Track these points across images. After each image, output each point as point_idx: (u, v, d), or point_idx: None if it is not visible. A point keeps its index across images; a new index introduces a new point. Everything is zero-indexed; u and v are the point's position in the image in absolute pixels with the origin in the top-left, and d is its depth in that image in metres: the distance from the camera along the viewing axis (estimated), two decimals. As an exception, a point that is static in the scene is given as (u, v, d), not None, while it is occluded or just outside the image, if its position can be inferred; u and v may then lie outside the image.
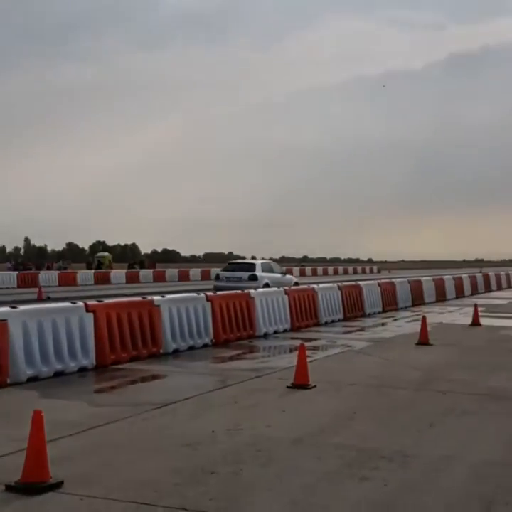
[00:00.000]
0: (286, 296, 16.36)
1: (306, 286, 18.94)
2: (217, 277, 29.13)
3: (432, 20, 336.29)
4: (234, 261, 33.31)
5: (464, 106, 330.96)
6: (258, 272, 27.92)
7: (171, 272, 57.08)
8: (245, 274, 27.68)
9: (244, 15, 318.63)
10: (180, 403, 8.12)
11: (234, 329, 14.13)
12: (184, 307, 12.83)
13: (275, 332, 15.49)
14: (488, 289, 36.88)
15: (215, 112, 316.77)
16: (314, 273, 73.85)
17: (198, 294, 13.98)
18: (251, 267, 28.80)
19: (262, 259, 33.58)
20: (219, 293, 14.58)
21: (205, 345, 13.20)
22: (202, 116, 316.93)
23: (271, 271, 29.11)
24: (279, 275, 29.07)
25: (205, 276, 57.70)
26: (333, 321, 18.30)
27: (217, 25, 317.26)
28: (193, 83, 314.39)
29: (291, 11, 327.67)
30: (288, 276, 30.97)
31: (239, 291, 15.78)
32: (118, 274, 51.72)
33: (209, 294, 14.01)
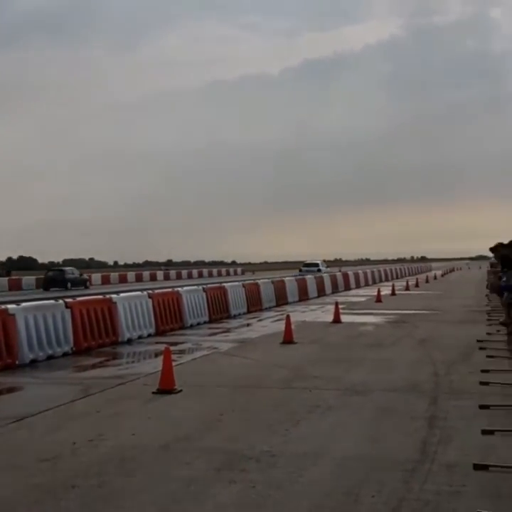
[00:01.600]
0: (150, 300, 16.07)
1: (170, 290, 18.70)
2: (300, 270, 52.88)
3: (287, 27, 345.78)
4: (308, 262, 58.40)
5: (318, 110, 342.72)
6: (320, 267, 53.90)
7: (28, 279, 54.78)
8: (315, 268, 52.41)
9: (100, 15, 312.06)
10: (38, 416, 7.70)
11: (96, 336, 13.68)
12: (41, 315, 12.27)
13: (139, 337, 15.17)
14: (347, 287, 38.16)
15: (68, 114, 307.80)
16: (179, 276, 73.55)
17: (56, 300, 13.42)
18: (317, 264, 55.43)
19: (319, 260, 58.91)
20: (79, 299, 14.09)
21: (66, 354, 12.69)
22: (54, 119, 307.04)
23: (324, 266, 55.80)
24: (326, 268, 54.36)
25: (66, 282, 55.90)
26: (198, 324, 18.19)
27: (70, 26, 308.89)
28: (46, 84, 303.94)
29: (148, 14, 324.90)
30: (329, 268, 55.25)
31: (100, 297, 15.34)
32: (-30, 283, 49.03)
33: (68, 300, 13.49)
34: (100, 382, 9.88)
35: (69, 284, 44.94)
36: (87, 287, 46.84)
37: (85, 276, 50.56)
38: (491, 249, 17.01)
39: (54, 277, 46.52)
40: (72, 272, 48.27)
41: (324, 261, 57.20)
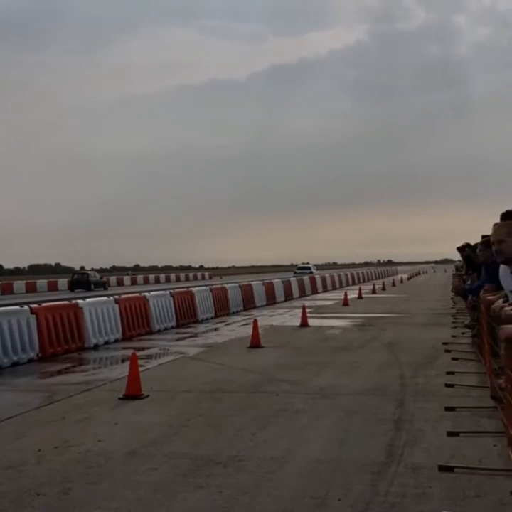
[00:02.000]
0: (116, 306, 15.96)
1: (137, 294, 18.59)
2: (295, 273, 61.72)
3: (253, 32, 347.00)
4: (301, 265, 75.32)
5: (284, 115, 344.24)
6: (312, 270, 67.45)
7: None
8: (308, 271, 63.24)
9: (64, 19, 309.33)
10: (2, 423, 7.59)
11: (61, 342, 13.55)
12: (6, 321, 12.11)
13: (106, 343, 15.06)
14: (315, 291, 38.32)
15: (32, 118, 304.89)
16: (146, 281, 73.17)
17: (22, 306, 13.25)
18: (309, 268, 69.97)
19: (308, 263, 78.26)
20: (44, 305, 13.94)
21: (31, 360, 12.54)
22: (18, 122, 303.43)
23: (314, 269, 70.42)
24: (316, 270, 68.77)
25: (31, 288, 55.25)
26: (166, 329, 18.12)
27: (34, 28, 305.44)
28: (10, 87, 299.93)
29: (113, 18, 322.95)
30: (318, 271, 68.53)
31: (66, 302, 15.20)
32: None
33: (34, 306, 13.33)
34: (66, 388, 9.78)
35: (92, 286, 51.44)
36: (106, 288, 52.73)
37: (104, 278, 57.82)
38: (459, 249, 17.17)
39: (79, 280, 53.59)
40: (94, 275, 55.35)
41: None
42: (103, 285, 53.92)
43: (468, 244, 14.70)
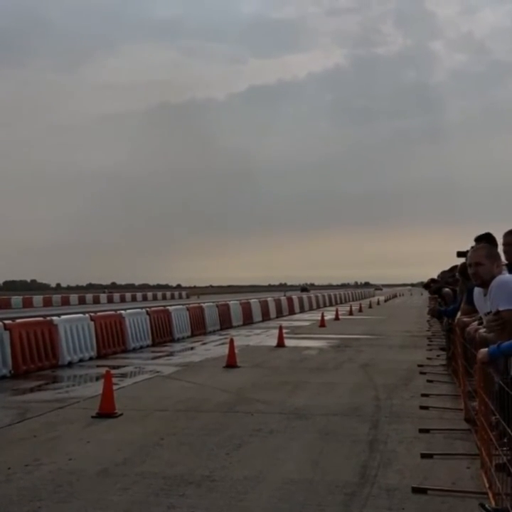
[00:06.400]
0: (92, 323, 15.83)
1: (112, 312, 18.45)
2: (376, 289, 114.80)
3: (233, 53, 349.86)
4: (374, 284, 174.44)
5: (263, 135, 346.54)
6: (380, 287, 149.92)
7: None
8: (380, 288, 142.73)
9: (45, 37, 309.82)
10: (-28, 441, 7.45)
11: (35, 359, 13.39)
12: (-21, 337, 11.96)
13: (81, 360, 14.92)
14: (292, 311, 38.30)
15: (10, 135, 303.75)
16: (123, 299, 72.74)
17: (-4, 322, 13.12)
18: (380, 286, 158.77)
19: (378, 284, 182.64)
20: (18, 321, 13.79)
21: (4, 377, 12.38)
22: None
23: (382, 286, 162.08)
24: (382, 288, 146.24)
25: (5, 305, 54.61)
26: (141, 347, 18.00)
27: (12, 46, 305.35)
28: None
29: (94, 36, 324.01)
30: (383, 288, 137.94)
31: (41, 319, 15.04)
32: None
33: (7, 322, 13.17)
34: (38, 406, 9.65)
35: (306, 290, 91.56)
36: (309, 291, 79.44)
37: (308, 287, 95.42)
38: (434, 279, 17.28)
39: (303, 287, 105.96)
40: (305, 284, 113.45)
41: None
42: (308, 290, 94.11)
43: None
